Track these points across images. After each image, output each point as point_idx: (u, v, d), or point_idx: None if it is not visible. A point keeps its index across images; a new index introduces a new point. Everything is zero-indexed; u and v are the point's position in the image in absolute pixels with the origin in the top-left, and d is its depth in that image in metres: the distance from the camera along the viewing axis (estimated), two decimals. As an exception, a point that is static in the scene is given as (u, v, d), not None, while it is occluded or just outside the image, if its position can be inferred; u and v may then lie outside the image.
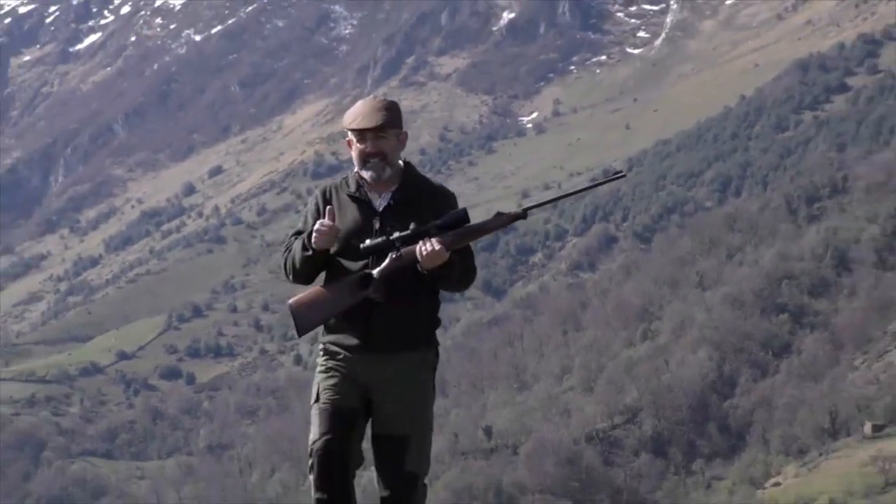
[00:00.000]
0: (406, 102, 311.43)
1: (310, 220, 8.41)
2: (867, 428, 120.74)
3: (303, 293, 8.33)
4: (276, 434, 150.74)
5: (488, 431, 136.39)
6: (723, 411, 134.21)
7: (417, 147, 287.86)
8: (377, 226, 8.21)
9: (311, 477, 8.29)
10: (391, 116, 8.30)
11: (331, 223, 8.16)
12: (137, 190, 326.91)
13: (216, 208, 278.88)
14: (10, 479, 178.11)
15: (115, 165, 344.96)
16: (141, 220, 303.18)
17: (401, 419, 8.34)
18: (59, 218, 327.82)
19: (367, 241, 8.10)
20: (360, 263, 8.17)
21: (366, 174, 8.33)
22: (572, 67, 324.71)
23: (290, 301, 8.35)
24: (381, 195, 8.34)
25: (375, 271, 8.07)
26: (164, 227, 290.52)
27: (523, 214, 8.41)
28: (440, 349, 8.68)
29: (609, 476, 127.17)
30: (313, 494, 8.29)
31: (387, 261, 8.06)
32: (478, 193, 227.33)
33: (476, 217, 8.31)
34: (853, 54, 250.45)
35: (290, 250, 8.42)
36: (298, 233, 8.45)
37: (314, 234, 8.14)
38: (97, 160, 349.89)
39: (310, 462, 8.29)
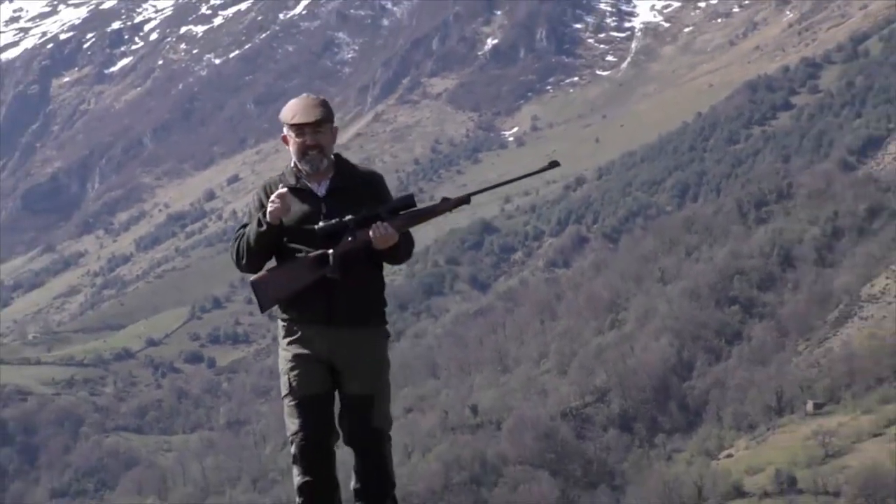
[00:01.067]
0: (402, 118, 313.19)
1: (254, 214, 8.41)
2: (809, 406, 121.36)
3: (264, 272, 8.27)
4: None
5: (474, 409, 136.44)
6: (682, 391, 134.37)
7: (412, 158, 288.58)
8: (324, 210, 8.21)
9: (296, 467, 8.24)
10: (326, 112, 8.42)
11: (283, 194, 8.16)
12: (164, 196, 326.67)
13: (234, 212, 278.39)
14: (53, 451, 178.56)
15: (144, 174, 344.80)
16: (167, 223, 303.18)
17: (365, 382, 8.30)
18: (94, 220, 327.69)
19: (322, 224, 8.07)
20: (311, 246, 8.10)
21: (305, 166, 8.36)
22: (548, 87, 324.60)
23: (252, 278, 8.30)
24: (319, 184, 8.37)
25: (332, 251, 7.99)
26: (188, 229, 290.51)
27: (467, 199, 8.68)
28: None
29: (581, 449, 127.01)
30: (298, 479, 8.23)
31: (342, 242, 8.01)
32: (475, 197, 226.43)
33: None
34: (796, 76, 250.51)
35: (241, 237, 8.37)
36: (244, 226, 8.41)
37: (269, 207, 8.12)
38: (129, 169, 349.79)
39: (293, 452, 8.24)
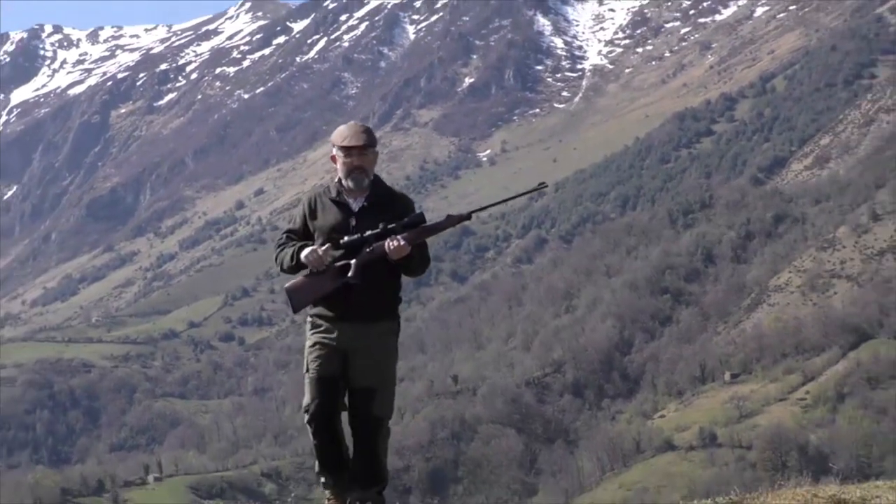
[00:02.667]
0: (395, 142, 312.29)
1: (298, 221, 8.41)
2: (726, 376, 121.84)
3: (295, 279, 8.29)
4: (302, 381, 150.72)
5: (455, 379, 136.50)
6: (623, 364, 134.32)
7: (404, 174, 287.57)
8: (353, 223, 8.16)
9: (310, 428, 8.24)
10: (371, 139, 8.35)
11: (325, 251, 8.08)
12: (202, 205, 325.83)
13: (259, 219, 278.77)
14: (111, 413, 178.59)
15: (186, 188, 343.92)
16: (205, 227, 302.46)
17: (369, 375, 8.18)
18: (145, 225, 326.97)
19: (346, 238, 8.06)
20: (339, 253, 8.06)
21: (350, 183, 8.27)
22: (515, 117, 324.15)
23: (286, 285, 8.32)
24: (356, 199, 8.28)
25: (353, 261, 7.96)
26: (222, 233, 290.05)
27: (468, 216, 8.41)
28: (402, 321, 8.35)
29: (542, 411, 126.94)
30: (312, 440, 8.27)
31: (362, 253, 7.98)
32: (448, 209, 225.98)
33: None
34: (716, 108, 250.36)
35: (282, 249, 8.34)
36: (290, 231, 8.43)
37: (309, 257, 8.07)
38: (173, 184, 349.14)
39: (306, 418, 8.23)
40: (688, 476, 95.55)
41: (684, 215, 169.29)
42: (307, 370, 8.24)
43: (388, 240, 7.91)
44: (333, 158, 8.32)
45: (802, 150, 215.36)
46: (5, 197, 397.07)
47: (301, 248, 8.19)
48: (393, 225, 8.00)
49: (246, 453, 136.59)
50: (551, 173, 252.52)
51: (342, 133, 8.27)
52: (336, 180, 8.33)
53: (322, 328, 8.19)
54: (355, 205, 8.23)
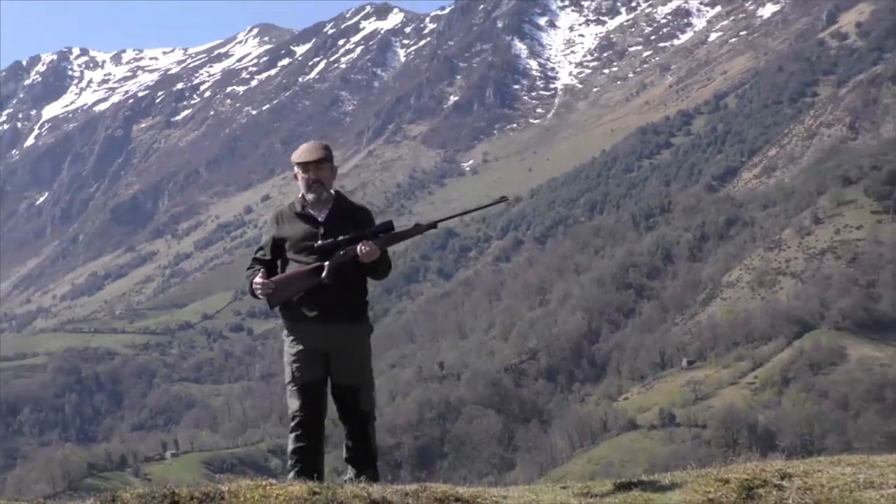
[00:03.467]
0: (388, 154, 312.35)
1: (265, 239, 8.29)
2: (683, 362, 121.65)
3: (272, 278, 8.08)
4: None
5: (441, 365, 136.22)
6: (591, 352, 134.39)
7: (395, 183, 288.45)
8: (322, 232, 8.00)
9: (292, 434, 8.03)
10: (326, 154, 8.15)
11: (265, 282, 8.00)
12: (215, 210, 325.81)
13: (266, 222, 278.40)
14: (133, 396, 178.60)
15: (200, 194, 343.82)
16: (218, 230, 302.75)
17: (352, 375, 8.01)
18: (164, 228, 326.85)
19: (320, 242, 7.91)
20: (311, 259, 7.92)
21: (310, 196, 8.10)
22: (495, 131, 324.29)
23: None
24: (320, 212, 8.10)
25: (327, 263, 7.83)
26: (232, 234, 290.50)
27: (434, 225, 8.33)
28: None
29: (518, 393, 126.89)
30: (293, 445, 8.02)
31: (335, 256, 7.83)
32: (434, 213, 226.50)
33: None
34: (675, 123, 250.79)
35: (248, 275, 8.30)
36: (256, 255, 8.34)
37: (258, 289, 8.02)
38: (189, 191, 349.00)
39: (292, 424, 8.04)
40: (649, 452, 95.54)
41: (646, 219, 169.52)
42: (291, 380, 8.06)
43: (361, 244, 7.80)
44: (296, 177, 8.19)
45: (752, 161, 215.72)
46: (38, 202, 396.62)
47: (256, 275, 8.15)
48: (365, 231, 7.89)
49: (254, 432, 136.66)
50: (527, 181, 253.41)
51: (299, 152, 8.15)
52: (299, 196, 8.19)
53: (298, 331, 8.03)
54: (321, 216, 8.07)
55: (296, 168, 8.14)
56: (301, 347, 8.00)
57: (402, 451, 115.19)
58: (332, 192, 8.16)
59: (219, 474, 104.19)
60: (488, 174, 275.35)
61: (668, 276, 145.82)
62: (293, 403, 8.01)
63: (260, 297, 8.01)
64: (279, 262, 8.19)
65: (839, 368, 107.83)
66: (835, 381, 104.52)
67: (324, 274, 7.82)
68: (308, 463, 7.88)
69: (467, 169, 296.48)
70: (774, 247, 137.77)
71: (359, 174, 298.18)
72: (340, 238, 7.87)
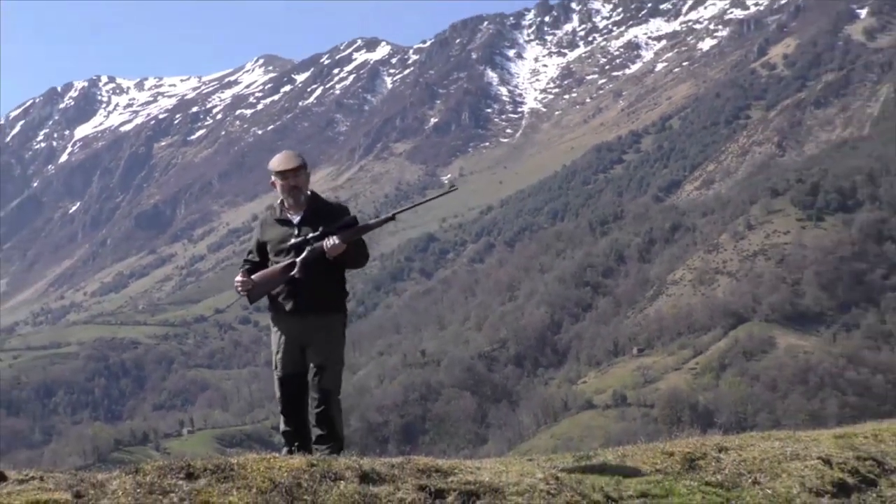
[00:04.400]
0: (376, 169, 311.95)
1: (252, 242, 8.11)
2: (634, 350, 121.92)
3: (252, 276, 7.92)
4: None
5: (423, 353, 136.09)
6: (554, 341, 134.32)
7: (383, 194, 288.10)
8: (295, 233, 7.76)
9: (281, 418, 7.92)
10: (301, 161, 7.90)
11: (245, 280, 7.86)
12: (226, 217, 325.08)
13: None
14: (154, 380, 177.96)
15: (213, 203, 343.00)
16: (228, 235, 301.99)
17: (319, 354, 7.70)
18: (181, 233, 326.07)
19: (291, 241, 7.74)
20: (288, 257, 7.73)
21: (288, 200, 7.83)
22: (470, 149, 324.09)
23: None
24: (296, 214, 7.83)
25: (298, 259, 7.66)
26: (242, 238, 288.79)
27: (392, 217, 8.07)
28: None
29: (491, 378, 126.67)
30: (281, 426, 7.90)
31: (304, 252, 7.66)
32: (417, 219, 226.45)
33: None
34: (626, 142, 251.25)
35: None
36: (250, 252, 8.16)
37: (238, 286, 7.88)
38: (204, 201, 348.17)
39: (280, 409, 7.89)
40: (604, 429, 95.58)
41: (601, 225, 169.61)
42: (275, 367, 7.88)
43: (326, 240, 7.61)
44: (273, 184, 7.95)
45: (693, 175, 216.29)
46: (70, 211, 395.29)
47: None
48: (329, 228, 7.66)
49: (260, 411, 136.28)
50: (498, 193, 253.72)
51: (277, 160, 7.91)
52: (279, 202, 7.96)
53: (281, 323, 7.85)
54: (295, 218, 7.83)
55: (273, 176, 7.92)
56: (282, 338, 7.84)
57: (388, 428, 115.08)
58: (309, 192, 7.93)
59: (229, 448, 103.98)
60: (465, 186, 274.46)
61: (620, 275, 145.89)
62: (277, 391, 7.88)
63: (241, 293, 7.88)
64: (268, 264, 7.96)
65: (769, 355, 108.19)
66: (765, 367, 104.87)
67: (295, 270, 7.67)
68: (292, 442, 7.73)
69: (446, 182, 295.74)
70: (713, 249, 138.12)
71: (351, 186, 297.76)
72: (309, 236, 7.69)
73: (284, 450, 7.67)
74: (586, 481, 7.10)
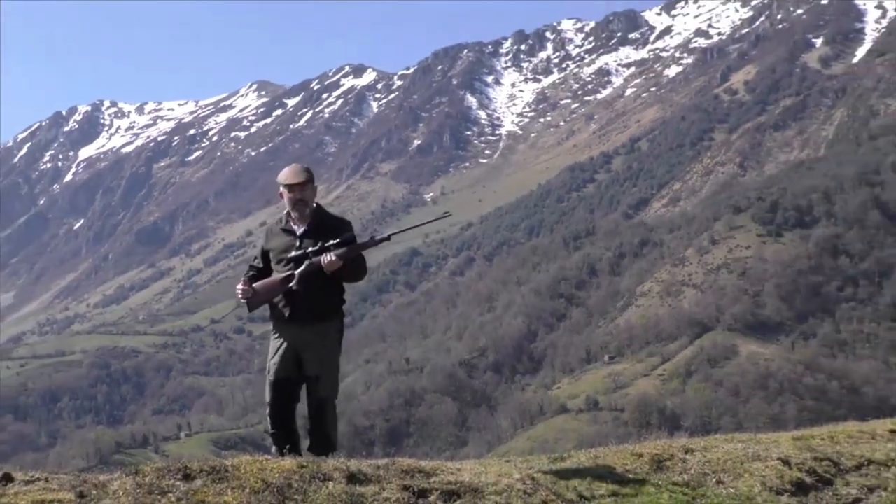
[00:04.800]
0: (363, 187, 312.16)
1: (258, 250, 8.05)
2: (605, 358, 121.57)
3: (253, 284, 7.81)
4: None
5: (407, 360, 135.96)
6: (530, 349, 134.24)
7: (370, 211, 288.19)
8: (298, 244, 7.70)
9: (269, 419, 7.76)
10: (309, 175, 7.82)
11: (245, 288, 7.76)
12: (222, 233, 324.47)
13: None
14: (153, 386, 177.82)
15: (209, 220, 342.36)
16: (223, 250, 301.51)
17: (316, 365, 7.65)
18: (179, 248, 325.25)
19: (292, 253, 7.67)
20: (288, 268, 7.67)
21: (295, 213, 7.78)
22: (451, 169, 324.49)
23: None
24: (300, 226, 7.77)
25: (297, 272, 7.60)
26: (236, 253, 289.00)
27: (388, 237, 7.96)
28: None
29: (471, 384, 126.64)
30: (269, 428, 7.77)
31: (303, 266, 7.60)
32: (401, 235, 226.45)
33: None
34: (598, 162, 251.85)
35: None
36: (255, 258, 8.05)
37: (239, 293, 7.79)
38: (200, 218, 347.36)
39: (268, 411, 7.76)
40: (577, 432, 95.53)
41: (574, 240, 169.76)
42: (269, 372, 7.77)
43: (324, 255, 7.55)
44: (281, 195, 7.89)
45: (660, 193, 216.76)
46: (75, 227, 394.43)
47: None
48: (328, 244, 7.59)
49: (253, 416, 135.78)
50: (478, 210, 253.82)
51: (285, 174, 7.85)
52: (285, 213, 7.92)
53: (280, 331, 7.77)
54: (299, 229, 7.76)
55: (282, 188, 7.86)
56: (279, 345, 7.76)
57: (375, 431, 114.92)
58: (315, 205, 7.86)
59: (224, 451, 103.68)
60: (446, 204, 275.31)
61: (592, 288, 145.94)
62: (268, 395, 7.78)
63: (241, 300, 7.81)
64: (272, 271, 7.90)
65: (732, 362, 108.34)
66: (728, 373, 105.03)
67: (293, 282, 7.61)
68: (281, 445, 7.63)
69: (429, 199, 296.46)
70: (679, 263, 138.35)
71: (339, 204, 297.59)
72: (309, 250, 7.63)
73: (275, 450, 7.59)
74: (560, 481, 7.11)
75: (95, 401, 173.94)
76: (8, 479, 6.42)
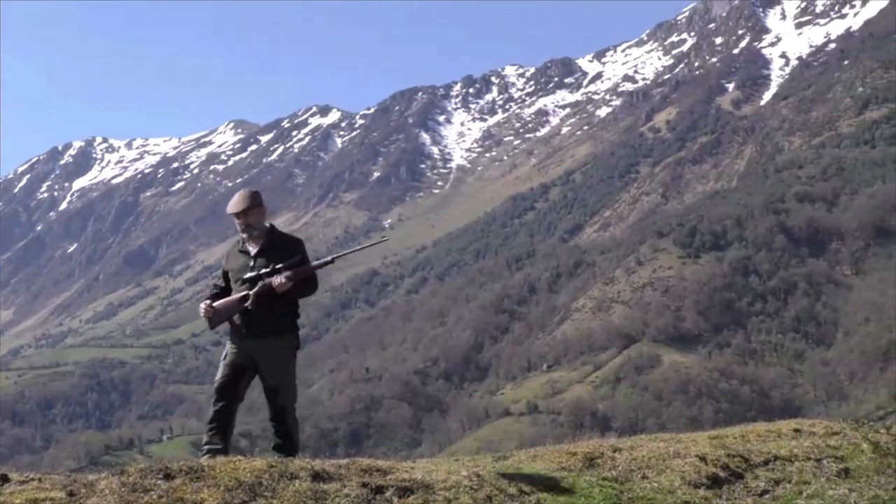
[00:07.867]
0: (329, 215, 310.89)
1: (220, 271, 7.90)
2: (544, 366, 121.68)
3: (213, 303, 7.66)
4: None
5: (367, 370, 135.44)
6: (478, 359, 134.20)
7: (334, 236, 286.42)
8: (252, 264, 7.52)
9: (213, 397, 7.65)
10: (252, 201, 7.57)
11: (207, 308, 7.60)
12: (201, 256, 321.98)
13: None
14: (139, 394, 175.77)
15: (190, 244, 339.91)
16: (203, 271, 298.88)
17: (273, 377, 7.53)
18: (163, 269, 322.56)
19: (246, 275, 7.49)
20: (244, 287, 7.50)
21: (244, 236, 7.62)
22: (407, 198, 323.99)
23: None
24: (255, 247, 7.57)
25: (251, 292, 7.43)
26: (214, 274, 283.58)
27: (331, 261, 7.77)
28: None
29: (425, 390, 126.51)
30: (212, 406, 7.64)
31: (257, 286, 7.43)
32: (362, 257, 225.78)
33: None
34: (537, 192, 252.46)
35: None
36: (218, 276, 7.93)
37: (202, 313, 7.61)
38: (182, 243, 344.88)
39: (214, 388, 7.65)
40: (519, 433, 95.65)
41: (516, 262, 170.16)
42: (224, 357, 7.66)
43: (276, 276, 7.35)
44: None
45: (593, 220, 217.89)
46: (69, 251, 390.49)
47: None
48: (280, 265, 7.38)
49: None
50: (431, 235, 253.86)
51: (230, 204, 7.65)
52: (242, 235, 7.72)
53: (235, 344, 7.59)
54: (253, 250, 7.57)
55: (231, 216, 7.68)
56: (231, 355, 7.62)
57: (338, 433, 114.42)
58: (267, 225, 7.68)
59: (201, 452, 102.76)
60: (403, 229, 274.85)
61: (532, 304, 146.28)
62: (219, 372, 7.66)
63: (204, 318, 7.64)
64: (231, 290, 7.76)
65: (656, 370, 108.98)
66: (653, 380, 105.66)
67: (248, 302, 7.46)
68: (216, 440, 7.54)
69: (387, 226, 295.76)
70: (609, 282, 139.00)
71: (307, 230, 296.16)
72: (262, 271, 7.42)
73: (205, 456, 7.39)
74: (503, 478, 7.14)
75: (86, 407, 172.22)
76: (4, 479, 6.39)
